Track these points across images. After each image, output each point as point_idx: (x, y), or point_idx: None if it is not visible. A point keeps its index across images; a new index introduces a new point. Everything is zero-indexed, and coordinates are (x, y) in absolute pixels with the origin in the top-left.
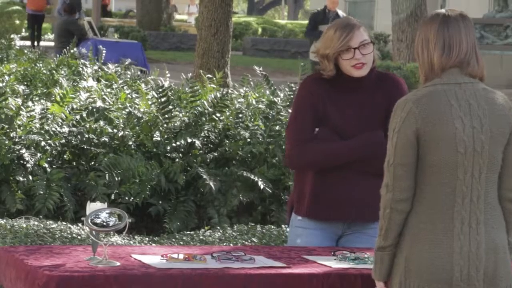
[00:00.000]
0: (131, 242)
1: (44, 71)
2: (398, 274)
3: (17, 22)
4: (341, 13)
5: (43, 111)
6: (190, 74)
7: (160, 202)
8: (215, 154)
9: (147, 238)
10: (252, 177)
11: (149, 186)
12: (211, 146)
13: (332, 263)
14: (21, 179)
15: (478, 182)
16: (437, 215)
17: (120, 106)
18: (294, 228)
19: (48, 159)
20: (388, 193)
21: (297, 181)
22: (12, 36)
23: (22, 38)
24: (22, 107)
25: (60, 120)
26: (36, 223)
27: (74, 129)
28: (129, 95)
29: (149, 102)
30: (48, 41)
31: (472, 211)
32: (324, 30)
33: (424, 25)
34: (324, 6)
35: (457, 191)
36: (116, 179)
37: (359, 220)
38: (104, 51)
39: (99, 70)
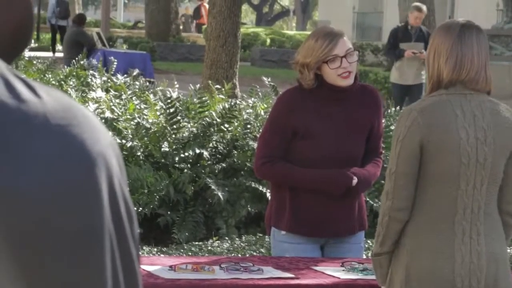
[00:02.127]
0: (140, 253)
1: (53, 82)
2: (398, 282)
3: None
4: (424, 29)
5: None
6: (199, 84)
7: (169, 212)
8: (224, 164)
9: (155, 249)
10: (260, 187)
11: (157, 197)
12: (220, 156)
13: (340, 274)
14: None
15: (479, 193)
16: (438, 225)
17: (128, 116)
18: (278, 243)
19: None
20: (387, 201)
21: (274, 193)
22: None
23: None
24: None
25: None
26: None
27: None
28: (137, 106)
29: (158, 113)
30: (57, 52)
31: (472, 222)
32: (406, 48)
33: (439, 35)
34: (405, 22)
35: (459, 201)
36: None
37: (339, 236)
38: (115, 62)
39: (108, 80)
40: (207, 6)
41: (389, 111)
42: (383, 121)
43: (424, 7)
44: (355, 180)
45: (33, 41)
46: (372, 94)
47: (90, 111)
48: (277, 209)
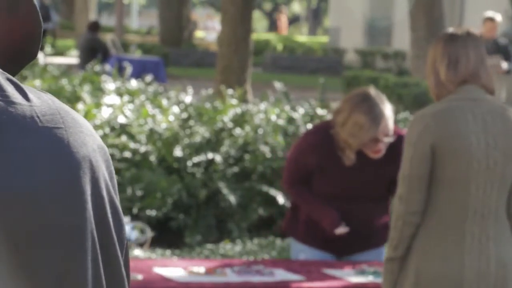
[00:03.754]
0: (153, 256)
1: (68, 88)
2: (408, 286)
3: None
4: (503, 40)
5: None
6: (210, 89)
7: (181, 216)
8: (235, 169)
9: (168, 252)
10: (271, 191)
11: (170, 201)
12: (231, 161)
13: (351, 277)
14: None
15: (489, 198)
16: (448, 229)
17: (142, 122)
18: (295, 243)
19: None
20: (401, 205)
21: (292, 204)
22: None
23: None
24: None
25: None
26: None
27: None
28: (150, 111)
29: (171, 118)
30: (72, 57)
31: (482, 227)
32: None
33: (431, 48)
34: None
35: (469, 206)
36: (138, 193)
37: (351, 253)
38: (129, 68)
39: (122, 86)
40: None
41: (399, 116)
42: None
43: (498, 16)
44: (341, 230)
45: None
46: (397, 143)
47: (80, 115)
48: (293, 220)
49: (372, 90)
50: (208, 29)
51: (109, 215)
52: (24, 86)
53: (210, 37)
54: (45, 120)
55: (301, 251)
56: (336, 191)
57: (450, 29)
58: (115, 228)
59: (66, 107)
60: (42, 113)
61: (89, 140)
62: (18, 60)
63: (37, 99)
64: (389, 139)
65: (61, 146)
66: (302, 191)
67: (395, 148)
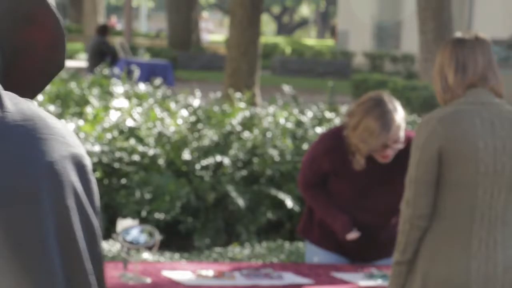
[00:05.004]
0: (161, 259)
1: (77, 91)
2: None
3: None
4: None
5: (75, 130)
6: (219, 92)
7: (190, 219)
8: (244, 172)
9: (177, 255)
10: (280, 195)
11: (179, 204)
12: (240, 164)
13: (360, 281)
14: None
15: (497, 202)
16: (455, 233)
17: (150, 125)
18: (310, 246)
19: None
20: (408, 208)
21: (308, 206)
22: None
23: None
24: None
25: (92, 140)
26: None
27: (105, 147)
28: (159, 114)
29: (179, 121)
30: (80, 60)
31: (490, 231)
32: None
33: (438, 53)
34: None
35: (477, 210)
36: (147, 196)
37: (364, 260)
38: (137, 71)
39: (130, 89)
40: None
41: (407, 119)
42: None
43: None
44: (352, 235)
45: None
46: (407, 150)
47: (60, 122)
48: (308, 222)
49: (386, 96)
50: (201, 30)
51: (75, 226)
52: (5, 93)
53: (205, 38)
54: (14, 126)
55: (316, 254)
56: (350, 195)
57: (458, 34)
58: (86, 241)
59: (43, 114)
60: (13, 119)
61: (59, 147)
62: (44, 70)
63: (12, 106)
64: (399, 146)
65: (25, 153)
66: (316, 194)
67: (408, 153)
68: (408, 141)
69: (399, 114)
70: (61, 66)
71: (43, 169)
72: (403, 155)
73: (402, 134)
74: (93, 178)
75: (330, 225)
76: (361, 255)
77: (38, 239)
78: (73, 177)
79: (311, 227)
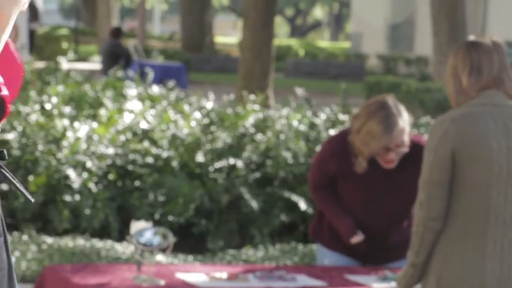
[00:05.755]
0: (175, 261)
1: (91, 93)
2: None
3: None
4: None
5: (89, 132)
6: (232, 95)
7: (203, 221)
8: (257, 174)
9: (190, 257)
10: (293, 197)
11: (192, 206)
12: (253, 166)
13: (373, 283)
14: (68, 199)
15: (511, 203)
16: (469, 234)
17: (164, 127)
18: (320, 248)
19: (94, 179)
20: (422, 211)
21: (318, 208)
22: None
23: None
24: (69, 126)
25: (106, 142)
26: (82, 242)
27: (119, 150)
28: (172, 117)
29: (192, 124)
30: (94, 62)
31: (504, 232)
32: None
33: (451, 55)
34: None
35: (490, 211)
36: (160, 199)
37: (373, 263)
38: (151, 73)
39: (144, 91)
40: None
41: (420, 121)
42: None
43: None
44: (356, 238)
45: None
46: (417, 151)
47: None
48: (318, 225)
49: (391, 99)
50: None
51: None
52: None
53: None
54: None
55: (326, 256)
56: (357, 198)
57: (471, 37)
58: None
59: None
60: None
61: None
62: None
63: None
64: (402, 150)
65: None
66: (324, 196)
67: (415, 158)
68: (414, 145)
69: (403, 118)
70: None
71: None
72: (410, 159)
73: (405, 138)
74: None
75: (336, 227)
76: (371, 258)
77: None
78: None
79: (321, 229)
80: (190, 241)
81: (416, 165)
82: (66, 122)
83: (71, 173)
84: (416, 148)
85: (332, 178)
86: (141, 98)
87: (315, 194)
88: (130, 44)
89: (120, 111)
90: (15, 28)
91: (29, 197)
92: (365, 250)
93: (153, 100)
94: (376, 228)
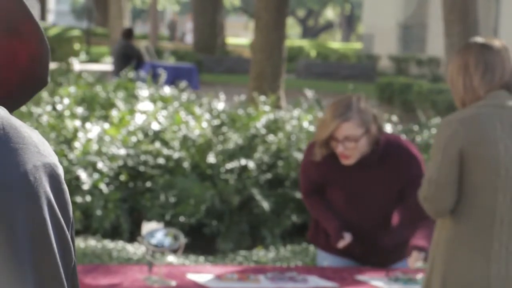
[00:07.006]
0: (186, 262)
1: (102, 94)
2: None
3: (77, 46)
4: None
5: (100, 133)
6: (243, 96)
7: (214, 222)
8: (268, 175)
9: (201, 258)
10: None
11: (203, 207)
12: (264, 167)
13: (384, 284)
14: (79, 199)
15: None
16: (475, 235)
17: (175, 128)
18: (319, 251)
19: (105, 180)
20: (429, 204)
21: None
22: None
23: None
24: (80, 127)
25: (118, 143)
26: (93, 242)
27: (130, 151)
28: (184, 118)
29: (204, 125)
30: (106, 64)
31: (510, 234)
32: None
33: (459, 53)
34: None
35: (496, 213)
36: (171, 200)
37: (370, 264)
38: (163, 74)
39: (155, 92)
40: None
41: (431, 122)
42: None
43: None
44: (342, 242)
45: (84, 53)
46: (396, 150)
47: (33, 131)
48: (315, 228)
49: (356, 97)
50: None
51: (50, 237)
52: None
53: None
54: None
55: (324, 259)
56: (343, 200)
57: (479, 38)
58: (59, 252)
59: (16, 123)
60: None
61: (30, 157)
62: (26, 86)
63: None
64: (351, 145)
65: None
66: (314, 201)
67: (394, 157)
68: (393, 144)
69: (363, 116)
70: (44, 81)
71: (16, 180)
72: (389, 159)
73: (357, 133)
74: (65, 187)
75: (327, 231)
76: (367, 260)
77: (11, 251)
78: (47, 188)
79: (317, 233)
80: (201, 242)
81: (395, 164)
82: (77, 123)
83: (82, 174)
84: (395, 147)
85: (319, 184)
86: (152, 99)
87: (306, 201)
88: (142, 45)
89: (132, 112)
90: None
91: None
92: (358, 252)
93: (164, 101)
94: (365, 229)
